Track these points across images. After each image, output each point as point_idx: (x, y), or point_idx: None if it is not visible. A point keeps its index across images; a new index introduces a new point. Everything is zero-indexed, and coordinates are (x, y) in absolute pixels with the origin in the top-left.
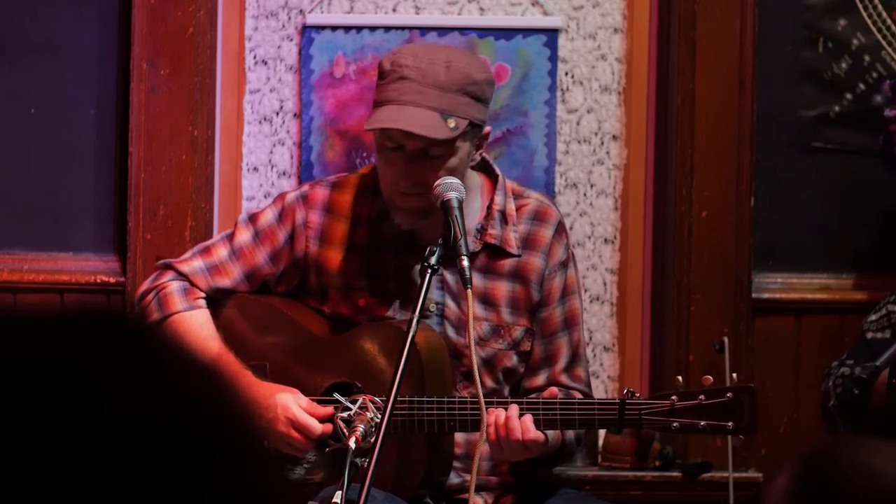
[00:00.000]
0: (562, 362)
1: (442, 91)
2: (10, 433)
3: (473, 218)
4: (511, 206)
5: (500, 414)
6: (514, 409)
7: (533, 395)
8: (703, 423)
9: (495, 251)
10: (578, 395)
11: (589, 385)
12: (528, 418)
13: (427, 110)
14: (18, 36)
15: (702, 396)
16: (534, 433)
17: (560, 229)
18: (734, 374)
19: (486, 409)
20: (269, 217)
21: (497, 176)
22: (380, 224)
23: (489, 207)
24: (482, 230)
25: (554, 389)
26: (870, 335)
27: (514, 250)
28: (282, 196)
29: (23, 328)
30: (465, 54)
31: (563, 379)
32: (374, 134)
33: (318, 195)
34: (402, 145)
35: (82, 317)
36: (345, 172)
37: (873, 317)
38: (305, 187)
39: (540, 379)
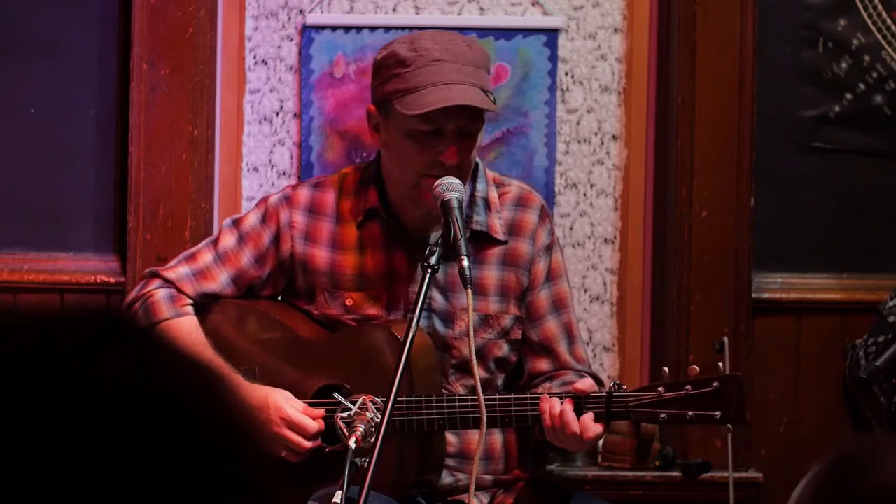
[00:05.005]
0: (563, 346)
1: (476, 67)
2: (11, 433)
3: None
4: (493, 194)
5: (555, 404)
6: (568, 402)
7: (531, 388)
8: (690, 413)
9: (482, 239)
10: (589, 379)
11: (590, 365)
12: (589, 416)
13: (471, 87)
14: (18, 36)
15: (688, 387)
16: (593, 431)
17: (543, 214)
18: (720, 363)
19: (540, 399)
20: (252, 220)
21: (476, 164)
22: (365, 223)
23: (472, 195)
24: (468, 218)
25: (546, 384)
26: (892, 318)
27: (500, 236)
28: (264, 199)
29: (23, 328)
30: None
31: (573, 363)
32: (400, 122)
33: (300, 196)
34: (440, 128)
35: (82, 317)
36: (326, 174)
37: (891, 303)
38: (288, 189)
39: (544, 364)
